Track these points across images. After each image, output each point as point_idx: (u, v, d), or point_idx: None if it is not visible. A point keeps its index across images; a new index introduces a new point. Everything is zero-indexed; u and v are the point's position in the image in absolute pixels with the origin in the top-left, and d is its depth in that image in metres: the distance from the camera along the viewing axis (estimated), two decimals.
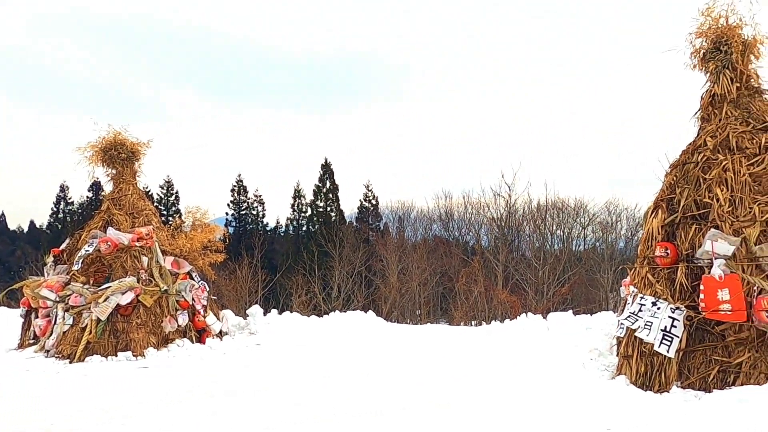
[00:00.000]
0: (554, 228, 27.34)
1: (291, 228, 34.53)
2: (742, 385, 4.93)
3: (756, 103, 5.84)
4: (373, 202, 34.07)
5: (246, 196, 35.13)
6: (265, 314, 10.59)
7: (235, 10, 66.48)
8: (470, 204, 29.69)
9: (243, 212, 35.04)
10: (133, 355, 7.54)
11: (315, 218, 32.31)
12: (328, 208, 32.29)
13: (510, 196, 26.29)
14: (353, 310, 13.70)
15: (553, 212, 27.10)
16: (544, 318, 10.36)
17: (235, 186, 34.95)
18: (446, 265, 26.60)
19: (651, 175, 6.25)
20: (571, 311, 10.80)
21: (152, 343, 7.87)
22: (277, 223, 36.68)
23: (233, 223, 34.48)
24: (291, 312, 12.13)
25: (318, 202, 32.51)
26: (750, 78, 5.94)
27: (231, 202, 34.78)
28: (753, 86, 5.93)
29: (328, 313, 12.19)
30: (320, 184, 32.43)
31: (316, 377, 5.96)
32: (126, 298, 7.80)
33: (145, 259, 8.33)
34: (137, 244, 8.31)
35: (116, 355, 7.50)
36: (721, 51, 5.96)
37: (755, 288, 4.96)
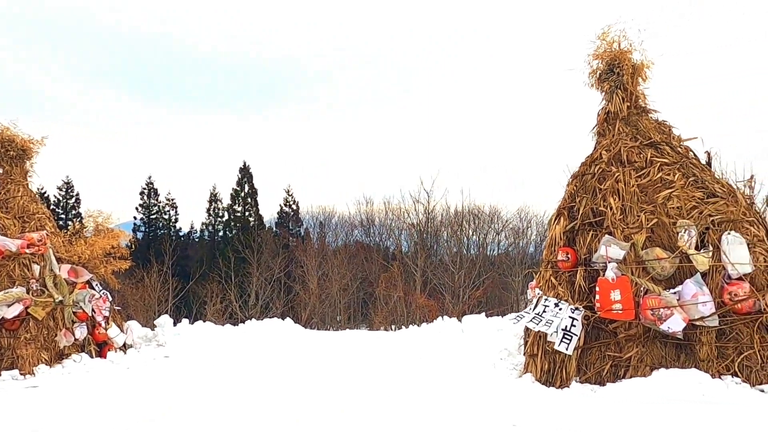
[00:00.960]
0: (470, 233, 28.48)
1: (206, 233, 33.14)
2: (631, 377, 5.40)
3: (643, 121, 6.45)
4: (294, 207, 33.57)
5: (157, 200, 33.23)
6: (175, 324, 10.06)
7: (153, 7, 62.95)
8: (391, 210, 30.15)
9: (153, 216, 33.10)
10: (21, 374, 6.84)
11: (232, 223, 31.25)
12: (246, 213, 31.37)
13: (428, 202, 27.01)
14: (271, 317, 13.37)
15: (470, 218, 28.21)
16: (459, 321, 10.72)
17: (144, 189, 32.97)
18: (367, 270, 26.75)
19: (557, 185, 6.71)
20: (484, 314, 11.27)
21: (44, 360, 7.19)
22: (192, 228, 35.05)
23: (142, 228, 32.48)
24: (204, 321, 11.61)
25: (236, 207, 31.48)
26: (638, 98, 6.55)
27: (140, 205, 32.75)
28: (641, 106, 6.55)
29: (244, 322, 11.80)
30: (238, 188, 31.44)
31: (224, 392, 5.65)
32: (12, 311, 7.07)
33: (36, 268, 7.61)
34: (27, 250, 7.57)
35: None
36: (615, 73, 6.53)
37: (642, 288, 5.46)
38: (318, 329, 19.13)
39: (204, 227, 33.20)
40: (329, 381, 6.18)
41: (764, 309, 5.25)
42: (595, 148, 6.64)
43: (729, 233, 5.43)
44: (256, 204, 31.61)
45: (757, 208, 5.83)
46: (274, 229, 32.32)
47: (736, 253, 5.34)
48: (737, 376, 5.15)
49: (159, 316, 10.62)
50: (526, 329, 6.36)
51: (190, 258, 31.04)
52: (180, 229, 34.25)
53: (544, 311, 5.97)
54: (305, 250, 25.55)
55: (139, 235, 31.96)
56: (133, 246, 10.37)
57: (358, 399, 5.22)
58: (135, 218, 32.27)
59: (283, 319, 11.88)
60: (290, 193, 33.51)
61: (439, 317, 11.11)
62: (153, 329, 9.42)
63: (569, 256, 6.01)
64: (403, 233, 29.74)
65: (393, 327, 18.78)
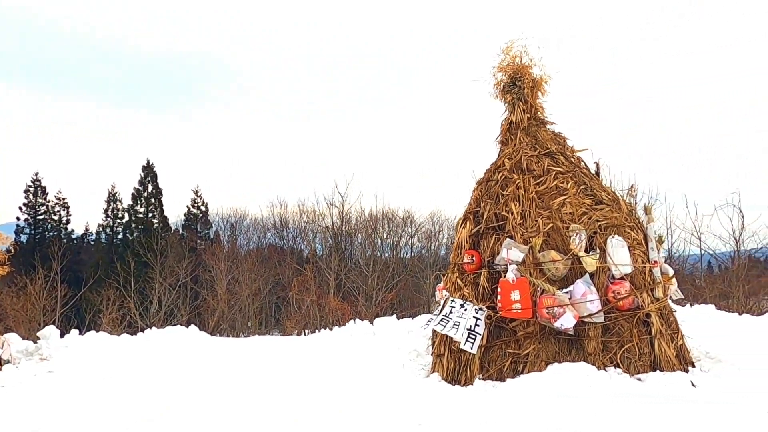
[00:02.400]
0: (385, 237, 28.91)
1: (103, 236, 30.73)
2: (528, 372, 5.74)
3: (541, 132, 6.90)
4: (203, 208, 32.11)
5: (45, 199, 30.29)
6: (62, 336, 9.18)
7: None
8: (305, 213, 29.82)
9: (40, 217, 30.13)
10: None
11: (133, 225, 29.25)
12: (150, 214, 29.51)
13: (343, 205, 27.06)
14: (175, 325, 12.64)
15: (384, 222, 28.63)
16: (371, 323, 10.80)
17: (30, 186, 29.92)
18: (280, 274, 26.23)
19: (467, 190, 6.98)
20: (395, 316, 11.45)
21: None
22: (86, 230, 32.36)
23: (27, 230, 29.42)
24: (97, 331, 10.71)
25: (138, 207, 29.52)
26: (537, 111, 7.00)
27: (24, 205, 29.67)
28: (539, 118, 7.01)
29: (144, 331, 11.05)
30: (141, 188, 29.51)
31: (112, 410, 5.19)
32: None
33: None
34: None
35: None
36: (517, 86, 6.94)
37: (539, 289, 5.83)
38: (228, 336, 18.40)
39: (101, 229, 30.79)
40: (232, 388, 5.95)
41: (642, 306, 5.82)
42: (498, 156, 7.00)
43: (613, 237, 5.95)
44: (161, 205, 29.86)
45: (636, 215, 6.46)
46: (181, 231, 30.70)
47: (619, 255, 5.86)
48: (619, 367, 5.64)
49: (45, 327, 9.63)
50: (428, 324, 6.54)
51: (84, 262, 28.63)
52: (72, 231, 31.50)
53: (450, 312, 6.18)
54: (214, 253, 24.49)
55: (23, 237, 28.95)
56: (14, 250, 9.34)
57: (263, 404, 5.07)
58: (18, 219, 29.18)
59: (187, 326, 11.27)
60: (199, 194, 32.02)
61: (351, 320, 11.12)
62: (36, 342, 8.52)
63: (474, 258, 6.27)
64: (318, 236, 29.55)
65: (306, 331, 18.55)
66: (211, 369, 7.39)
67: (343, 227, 27.72)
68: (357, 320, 11.12)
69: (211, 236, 32.14)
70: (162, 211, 29.79)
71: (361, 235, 27.79)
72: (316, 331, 15.48)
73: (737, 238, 19.50)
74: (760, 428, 3.93)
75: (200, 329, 11.32)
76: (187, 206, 31.82)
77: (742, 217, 19.35)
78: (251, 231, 32.52)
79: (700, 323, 8.01)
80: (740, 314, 10.16)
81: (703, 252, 21.13)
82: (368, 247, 27.34)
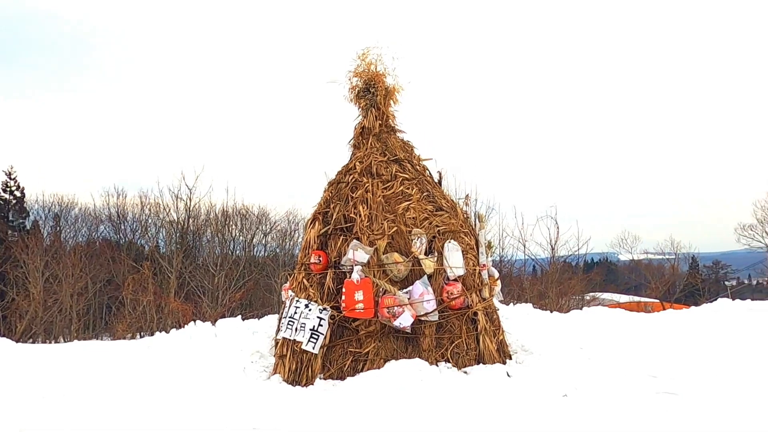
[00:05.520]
0: (236, 234, 27.70)
1: None
2: (368, 370, 5.93)
3: (391, 139, 7.20)
4: (17, 193, 27.58)
5: None
6: None
7: None
8: (148, 205, 27.29)
9: None
10: None
11: None
12: None
13: (191, 199, 25.34)
14: None
15: (236, 219, 27.43)
16: (213, 325, 10.24)
17: None
18: (114, 271, 23.65)
19: (320, 190, 6.98)
20: (240, 316, 11.01)
21: None
22: None
23: None
24: None
25: None
26: (389, 118, 7.29)
27: None
28: (390, 125, 7.30)
29: None
30: None
31: None
32: None
33: None
34: None
35: None
36: (371, 92, 7.15)
37: (381, 289, 6.06)
38: (42, 342, 16.02)
39: None
40: (35, 404, 5.18)
41: (471, 305, 6.38)
42: (350, 159, 7.14)
43: (450, 241, 6.44)
44: None
45: (470, 222, 7.07)
46: None
47: (454, 258, 6.36)
48: (449, 361, 6.11)
49: None
50: (278, 330, 6.43)
51: None
52: None
53: (295, 313, 6.13)
54: (28, 246, 21.17)
55: None
56: None
57: (77, 420, 4.50)
58: None
59: None
60: (12, 176, 27.46)
61: (192, 322, 10.43)
62: None
63: (321, 258, 6.31)
64: (162, 231, 27.28)
65: (140, 334, 16.97)
66: (10, 384, 6.34)
67: (191, 222, 25.96)
68: (198, 322, 10.45)
69: (29, 227, 27.76)
70: None
71: (210, 231, 26.29)
72: (152, 334, 14.24)
73: (553, 246, 22.55)
74: (557, 407, 4.56)
75: (2, 335, 9.67)
76: None
77: (557, 227, 22.48)
78: (80, 222, 28.81)
79: (519, 320, 9.04)
80: (551, 312, 11.70)
81: (527, 257, 24.06)
82: (218, 244, 25.98)
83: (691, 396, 4.74)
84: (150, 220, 27.51)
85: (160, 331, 12.34)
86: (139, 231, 28.70)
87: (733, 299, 10.67)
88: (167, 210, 25.77)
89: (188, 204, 25.22)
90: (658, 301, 26.81)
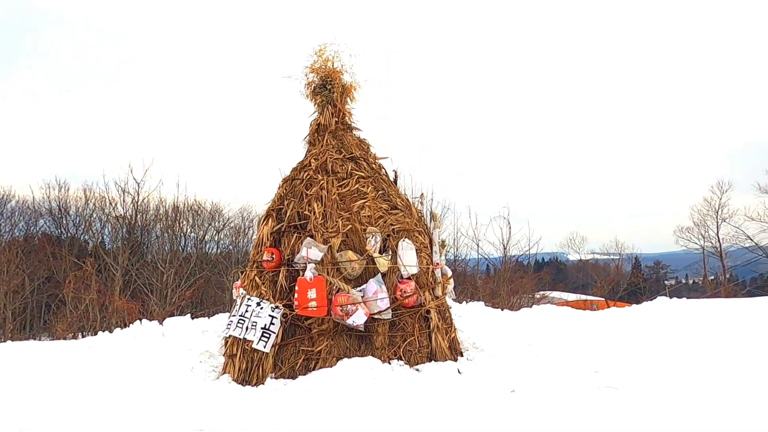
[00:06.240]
0: (188, 230, 26.88)
1: None
2: (320, 369, 5.88)
3: (347, 137, 7.17)
4: None
5: None
6: None
7: None
8: (92, 199, 26.07)
9: None
10: None
11: None
12: None
13: (139, 193, 24.40)
14: None
15: (188, 214, 26.62)
16: (160, 324, 9.89)
17: None
18: (54, 268, 22.47)
19: (274, 186, 6.85)
20: (189, 315, 10.70)
21: None
22: None
23: None
24: None
25: None
26: (345, 115, 7.25)
27: None
28: (347, 123, 7.26)
29: None
30: None
31: None
32: None
33: None
34: None
35: None
36: (327, 89, 7.08)
37: (335, 287, 6.02)
38: None
39: None
40: None
41: (424, 303, 6.43)
42: (305, 155, 7.06)
43: (404, 240, 6.47)
44: None
45: (425, 221, 7.13)
46: None
47: (408, 257, 6.39)
48: (401, 359, 6.14)
49: None
50: (227, 328, 6.28)
51: None
52: None
53: (246, 311, 6.00)
54: None
55: None
56: None
57: (13, 420, 4.24)
58: None
59: None
60: None
61: (138, 321, 10.04)
62: None
63: (274, 256, 6.20)
64: (107, 226, 26.15)
65: (82, 334, 16.20)
66: None
67: (138, 217, 25.00)
68: (145, 320, 10.08)
69: None
70: None
71: (160, 227, 25.39)
72: (95, 334, 13.61)
73: (505, 246, 23.14)
74: (505, 402, 4.67)
75: None
76: None
77: (510, 227, 23.09)
78: (18, 216, 27.21)
79: (471, 318, 9.20)
80: (503, 310, 11.97)
81: (480, 256, 24.58)
82: (167, 240, 25.12)
83: (631, 390, 4.96)
84: (95, 215, 26.33)
85: (104, 331, 11.83)
86: (83, 226, 27.41)
87: (671, 298, 11.25)
88: (113, 204, 24.73)
89: (136, 198, 24.29)
90: (603, 299, 28.01)
